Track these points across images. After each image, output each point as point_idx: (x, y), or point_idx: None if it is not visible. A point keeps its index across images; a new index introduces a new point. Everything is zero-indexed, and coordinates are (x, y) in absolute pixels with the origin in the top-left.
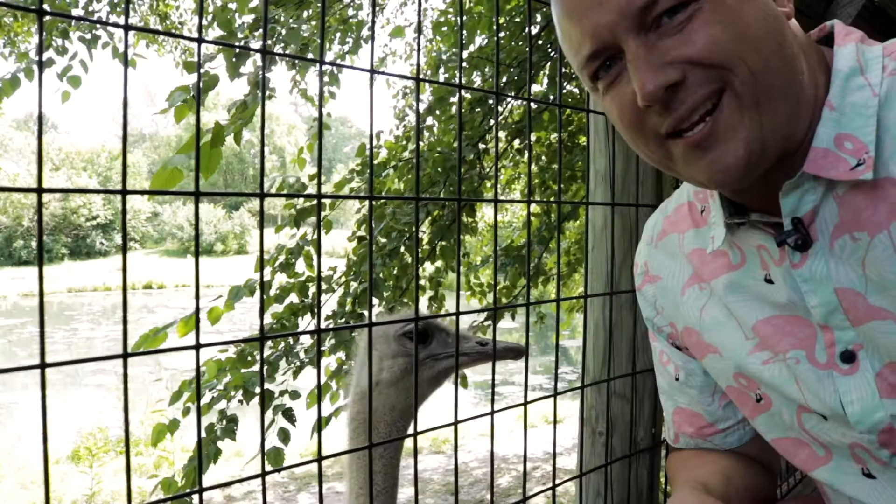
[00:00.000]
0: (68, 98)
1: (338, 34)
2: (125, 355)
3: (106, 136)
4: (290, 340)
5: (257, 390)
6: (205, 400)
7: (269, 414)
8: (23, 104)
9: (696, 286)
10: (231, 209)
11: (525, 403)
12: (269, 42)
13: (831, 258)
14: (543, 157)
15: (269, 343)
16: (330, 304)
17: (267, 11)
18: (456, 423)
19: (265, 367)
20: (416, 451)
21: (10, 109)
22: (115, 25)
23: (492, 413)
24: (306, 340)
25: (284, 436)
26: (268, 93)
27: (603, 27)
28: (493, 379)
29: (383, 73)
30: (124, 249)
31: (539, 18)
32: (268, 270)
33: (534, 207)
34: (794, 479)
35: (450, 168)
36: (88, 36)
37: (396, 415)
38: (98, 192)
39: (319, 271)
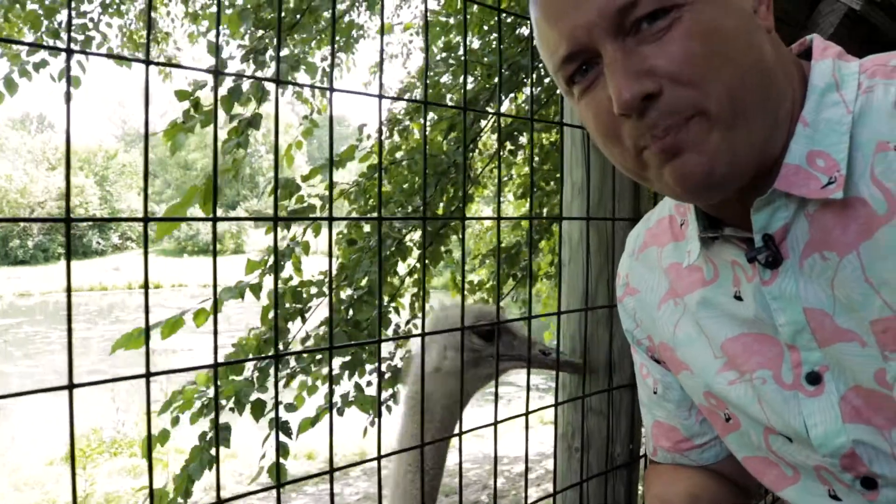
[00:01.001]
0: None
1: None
2: (147, 374)
3: (103, 136)
4: (281, 347)
5: (252, 397)
6: (195, 407)
7: (264, 425)
8: (19, 103)
9: (672, 301)
10: (228, 208)
11: (527, 413)
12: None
13: (801, 277)
14: (536, 158)
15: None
16: (321, 309)
17: (280, 42)
18: (496, 422)
19: (255, 374)
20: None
21: (5, 108)
22: (137, 60)
23: (495, 423)
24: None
25: (283, 450)
26: (261, 94)
27: (580, 28)
28: (497, 389)
29: (391, 97)
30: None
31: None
32: (256, 274)
33: (525, 208)
34: (767, 502)
35: (440, 172)
36: (82, 37)
37: (452, 401)
38: (120, 220)
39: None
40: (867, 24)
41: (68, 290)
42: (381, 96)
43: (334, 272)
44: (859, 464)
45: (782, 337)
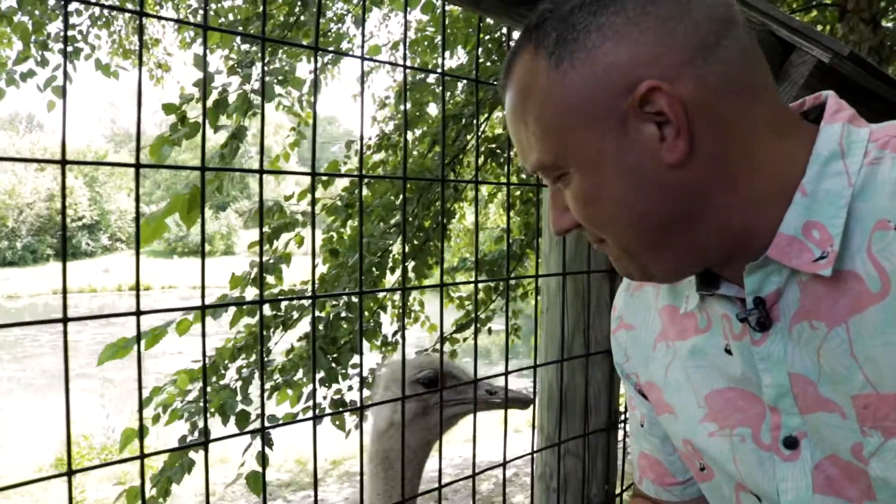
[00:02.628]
0: (54, 107)
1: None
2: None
3: (92, 136)
4: (264, 357)
5: (238, 408)
6: (176, 405)
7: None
8: (8, 103)
9: (664, 343)
10: (218, 209)
11: (504, 463)
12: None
13: (790, 342)
14: (522, 173)
15: (243, 355)
16: (302, 325)
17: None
18: (473, 475)
19: (238, 383)
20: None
21: None
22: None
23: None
24: (278, 359)
25: (263, 459)
26: (247, 107)
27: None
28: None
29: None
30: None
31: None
32: (241, 286)
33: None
34: None
35: (422, 187)
36: (70, 48)
37: (410, 453)
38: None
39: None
40: (837, 73)
41: (63, 291)
42: (362, 57)
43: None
44: None
45: (766, 398)
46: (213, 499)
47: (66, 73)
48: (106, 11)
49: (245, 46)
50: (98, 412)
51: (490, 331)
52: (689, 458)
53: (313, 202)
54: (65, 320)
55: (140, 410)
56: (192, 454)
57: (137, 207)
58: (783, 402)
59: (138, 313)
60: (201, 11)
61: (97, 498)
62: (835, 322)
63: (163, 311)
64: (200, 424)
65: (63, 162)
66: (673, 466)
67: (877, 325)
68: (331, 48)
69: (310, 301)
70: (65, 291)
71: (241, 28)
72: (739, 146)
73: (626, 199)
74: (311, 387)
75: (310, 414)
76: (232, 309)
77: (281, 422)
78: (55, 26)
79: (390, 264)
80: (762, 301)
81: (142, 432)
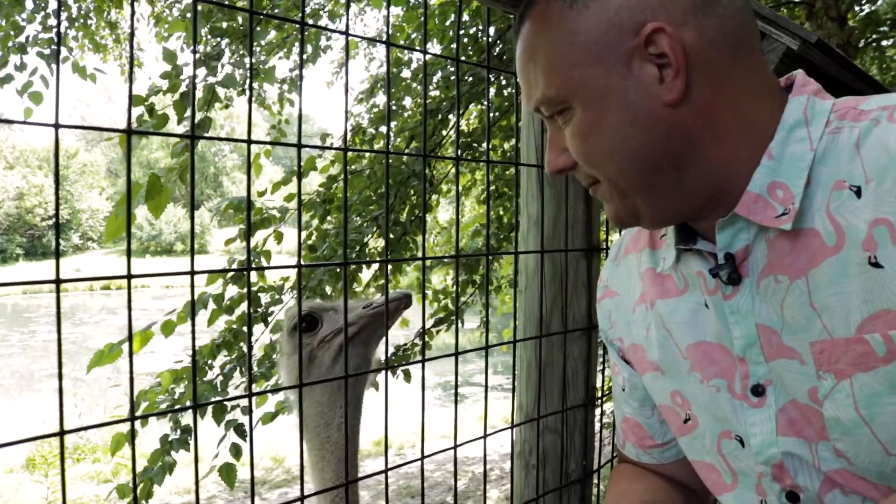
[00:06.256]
0: (31, 114)
1: (296, 44)
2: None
3: (63, 133)
4: (244, 349)
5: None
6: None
7: (220, 429)
8: None
9: (645, 305)
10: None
11: (485, 436)
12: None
13: (757, 295)
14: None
15: (224, 351)
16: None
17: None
18: (456, 446)
19: (220, 377)
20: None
21: None
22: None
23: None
24: (258, 352)
25: (236, 451)
26: (224, 101)
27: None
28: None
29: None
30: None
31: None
32: (220, 283)
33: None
34: None
35: (399, 182)
36: (47, 51)
37: (328, 411)
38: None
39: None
40: (806, 61)
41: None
42: (346, 33)
43: (292, 280)
44: (787, 475)
45: (735, 349)
46: (188, 496)
47: (58, 54)
48: (83, 10)
49: (215, 41)
50: (70, 411)
51: (463, 324)
52: (675, 412)
53: (299, 175)
54: (58, 286)
55: (130, 371)
56: (173, 454)
57: (129, 174)
58: (751, 352)
59: (129, 275)
60: (178, 5)
61: (72, 498)
62: (796, 275)
63: (154, 275)
64: (183, 422)
65: (56, 125)
66: (651, 429)
67: (831, 276)
68: (315, 28)
69: (291, 295)
70: (57, 260)
71: (210, 26)
72: (728, 101)
73: (624, 133)
74: None
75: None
76: (210, 307)
77: (268, 389)
78: (33, 28)
79: (367, 257)
80: (732, 257)
81: (132, 397)
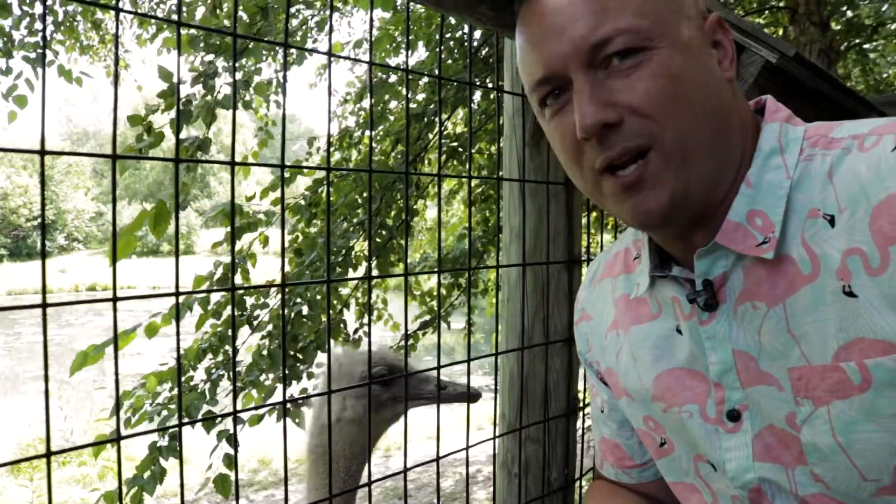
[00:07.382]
0: (15, 118)
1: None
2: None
3: (48, 133)
4: (230, 352)
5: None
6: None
7: (213, 438)
8: None
9: (616, 331)
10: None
11: (467, 447)
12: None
13: (734, 321)
14: (484, 170)
15: (209, 356)
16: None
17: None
18: (438, 458)
19: (207, 384)
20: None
21: None
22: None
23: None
24: (244, 359)
25: (229, 461)
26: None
27: (556, 56)
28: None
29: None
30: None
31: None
32: (206, 285)
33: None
34: None
35: (385, 186)
36: (33, 55)
37: (357, 449)
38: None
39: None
40: (785, 74)
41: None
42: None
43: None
44: (764, 499)
45: (711, 374)
46: (175, 500)
47: (44, 55)
48: (70, 13)
49: (209, 57)
50: (55, 413)
51: (449, 325)
52: (651, 435)
53: (283, 192)
54: (44, 305)
55: (116, 380)
56: (161, 461)
57: (114, 199)
58: (727, 377)
59: (115, 298)
60: (163, 6)
61: (57, 501)
62: (774, 302)
63: (139, 297)
64: (170, 422)
65: (42, 151)
66: (630, 450)
67: (808, 303)
68: (297, 46)
69: (277, 299)
70: (44, 275)
71: (204, 42)
72: (737, 112)
73: (707, 87)
74: (276, 387)
75: (278, 409)
76: (197, 310)
77: (253, 406)
78: (19, 33)
79: (353, 262)
80: (710, 284)
81: (118, 401)
